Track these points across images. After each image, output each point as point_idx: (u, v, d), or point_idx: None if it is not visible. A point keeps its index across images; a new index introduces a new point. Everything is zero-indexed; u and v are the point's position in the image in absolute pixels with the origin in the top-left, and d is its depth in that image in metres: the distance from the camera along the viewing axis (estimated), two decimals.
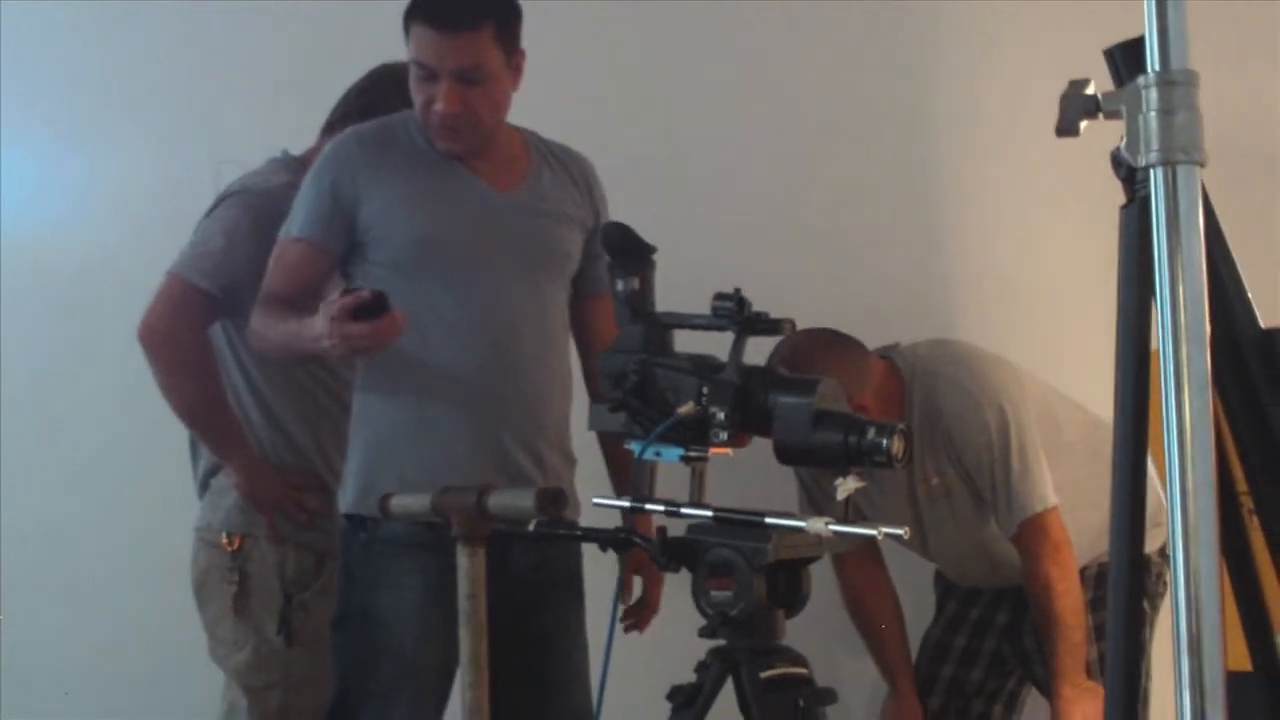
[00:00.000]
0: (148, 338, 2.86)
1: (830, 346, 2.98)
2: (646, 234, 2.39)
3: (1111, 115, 1.39)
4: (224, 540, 2.90)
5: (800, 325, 2.36)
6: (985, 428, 2.99)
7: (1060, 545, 2.95)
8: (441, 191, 2.72)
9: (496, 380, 2.66)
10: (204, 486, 3.01)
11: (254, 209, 2.90)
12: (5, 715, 3.58)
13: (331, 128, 3.00)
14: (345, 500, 2.70)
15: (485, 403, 2.65)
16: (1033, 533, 2.98)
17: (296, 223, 2.73)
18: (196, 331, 2.88)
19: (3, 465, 3.76)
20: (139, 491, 3.16)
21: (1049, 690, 3.01)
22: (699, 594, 2.33)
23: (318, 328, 2.47)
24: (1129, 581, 1.37)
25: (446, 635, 2.49)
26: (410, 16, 2.66)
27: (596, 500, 2.40)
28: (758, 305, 2.32)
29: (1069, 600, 2.95)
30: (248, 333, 2.76)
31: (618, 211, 2.44)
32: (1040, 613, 2.99)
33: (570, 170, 2.85)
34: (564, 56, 3.60)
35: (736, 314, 2.32)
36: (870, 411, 2.79)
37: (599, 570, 2.37)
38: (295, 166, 2.97)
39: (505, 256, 2.71)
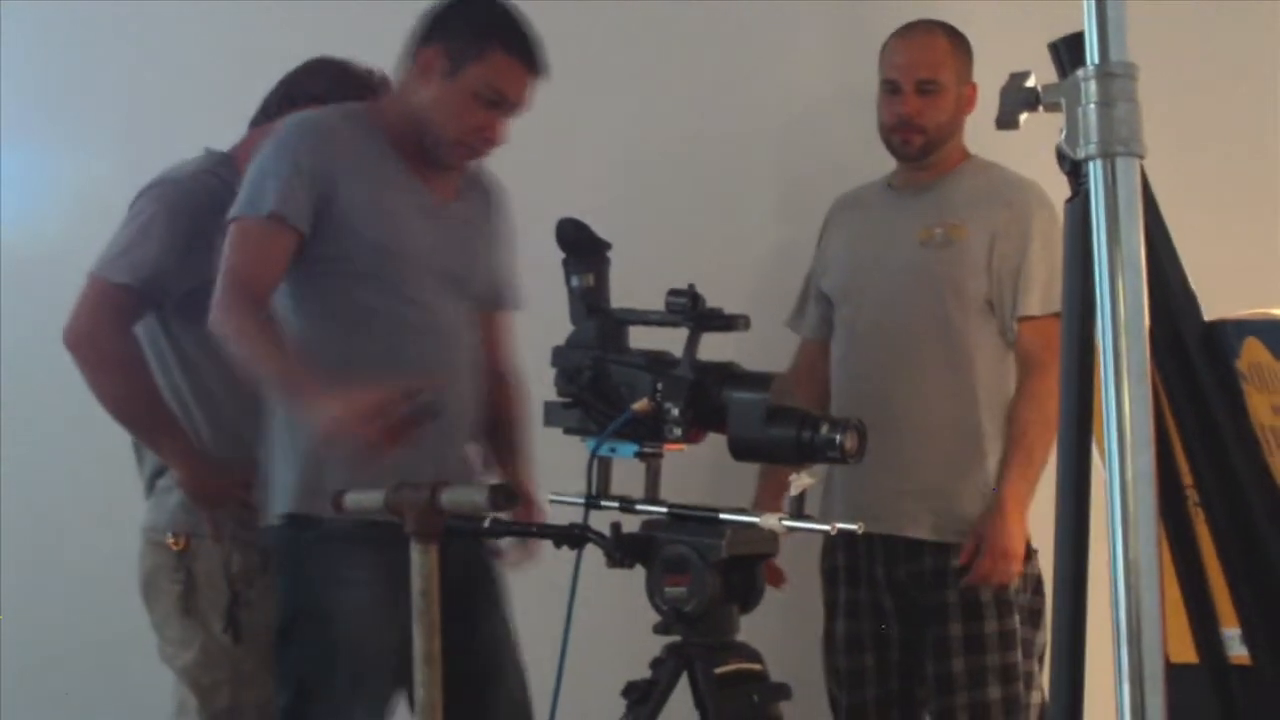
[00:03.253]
0: (72, 342, 2.82)
1: (956, 34, 3.12)
2: (602, 230, 2.39)
3: (1052, 108, 1.39)
4: (170, 540, 2.88)
5: (754, 322, 2.36)
6: (1047, 216, 3.02)
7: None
8: (399, 198, 2.69)
9: (441, 384, 2.62)
10: (150, 487, 2.98)
11: (167, 199, 2.88)
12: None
13: (266, 118, 2.97)
14: (284, 500, 2.62)
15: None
16: (1048, 338, 2.96)
17: (267, 197, 2.56)
18: (120, 329, 2.84)
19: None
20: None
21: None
22: (654, 590, 2.33)
23: (334, 410, 2.36)
24: (1074, 575, 1.37)
25: (400, 631, 2.47)
26: (498, 44, 2.64)
27: (552, 496, 2.40)
28: (712, 302, 2.32)
29: (1048, 431, 2.93)
30: (216, 318, 2.54)
31: (576, 207, 2.44)
32: (1014, 425, 3.01)
33: (490, 192, 2.85)
34: None
35: (690, 310, 2.33)
36: (907, 94, 3.05)
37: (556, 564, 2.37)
38: (217, 160, 2.94)
39: (441, 267, 2.70)
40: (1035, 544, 3.01)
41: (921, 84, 3.10)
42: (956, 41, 3.15)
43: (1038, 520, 2.99)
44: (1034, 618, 3.03)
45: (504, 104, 2.66)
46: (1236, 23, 3.43)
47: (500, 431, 2.83)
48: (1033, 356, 3.02)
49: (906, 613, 3.08)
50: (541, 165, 2.89)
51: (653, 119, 3.68)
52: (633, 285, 2.45)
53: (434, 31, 2.69)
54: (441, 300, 2.68)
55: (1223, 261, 2.68)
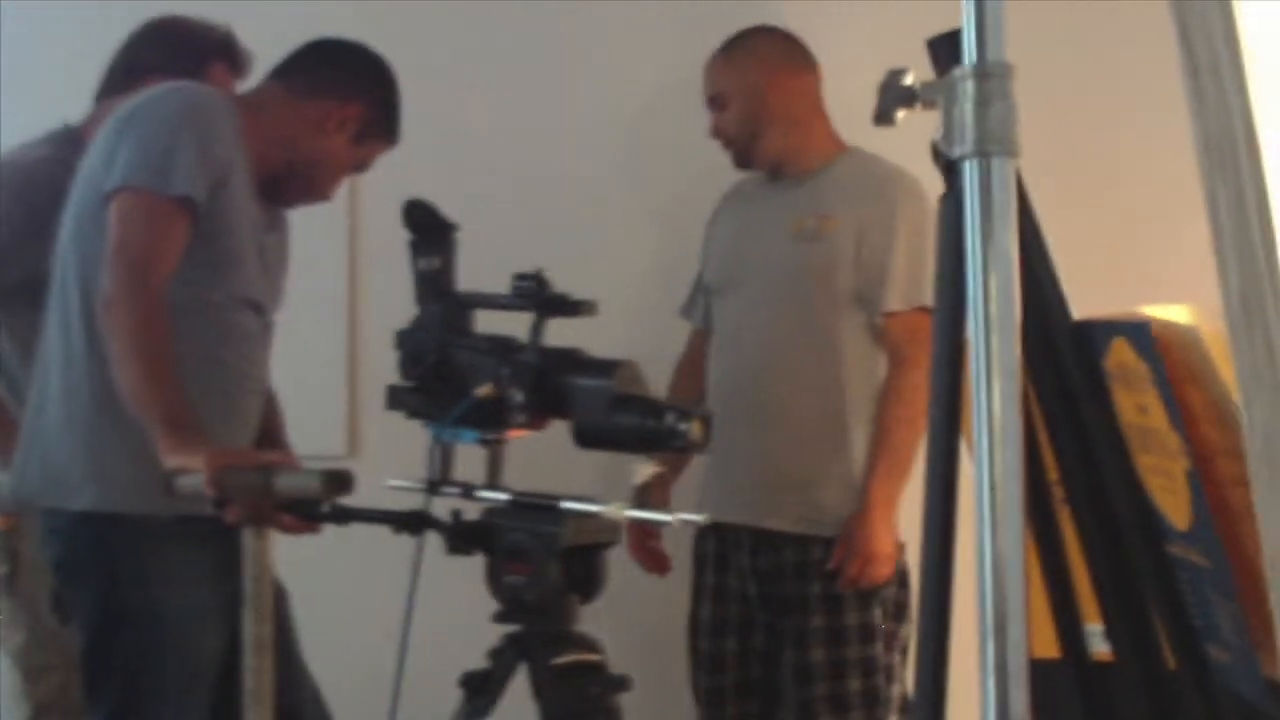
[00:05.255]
0: None
1: (775, 34, 3.19)
2: (451, 212, 2.35)
3: (929, 106, 1.39)
4: None
5: (602, 308, 2.34)
6: (915, 209, 3.03)
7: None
8: (250, 212, 2.54)
9: (258, 391, 2.62)
10: None
11: (7, 184, 2.77)
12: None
13: (112, 90, 2.85)
14: (104, 496, 2.43)
15: (250, 410, 2.61)
16: (913, 332, 2.97)
17: (176, 174, 2.33)
18: None
19: None
20: None
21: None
22: (493, 578, 2.30)
23: (200, 465, 2.19)
24: (940, 570, 1.38)
25: (224, 625, 2.41)
26: (395, 129, 2.65)
27: (391, 483, 2.35)
28: (563, 287, 2.30)
29: (914, 428, 2.95)
30: (111, 304, 2.28)
31: (423, 186, 2.39)
32: (879, 423, 3.03)
33: (287, 225, 2.72)
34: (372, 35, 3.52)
35: (537, 294, 2.30)
36: (731, 101, 3.13)
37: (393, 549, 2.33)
38: (65, 139, 2.81)
39: (252, 293, 2.57)
40: (902, 537, 3.04)
41: (711, 102, 3.21)
42: (733, 49, 3.21)
43: (905, 513, 3.01)
44: (899, 611, 3.06)
45: (361, 168, 2.68)
46: (1114, 24, 3.45)
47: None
48: (897, 351, 3.04)
49: (770, 602, 3.10)
50: (408, 167, 2.81)
51: (517, 115, 3.65)
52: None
53: (360, 92, 2.61)
54: (250, 314, 2.58)
55: (1095, 260, 2.74)
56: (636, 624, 3.51)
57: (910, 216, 3.04)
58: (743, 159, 3.21)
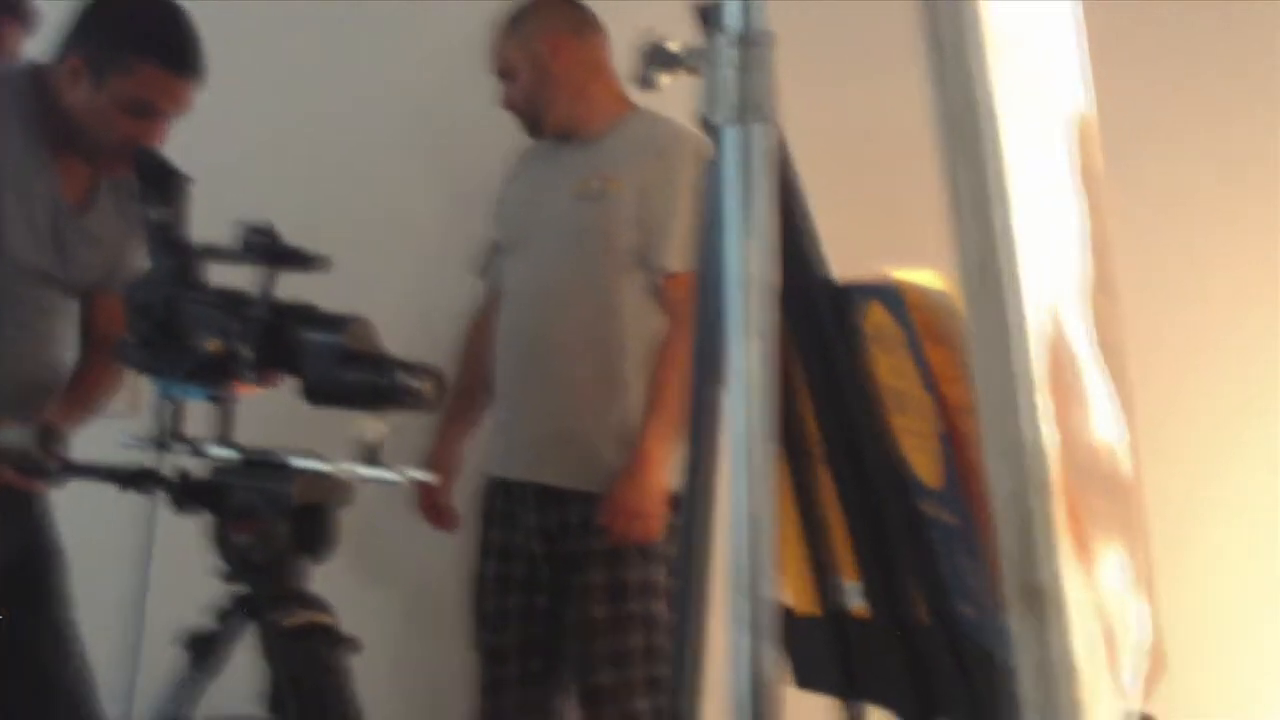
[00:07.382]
0: None
1: (556, 1, 3.23)
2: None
3: (692, 71, 1.41)
4: None
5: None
6: (700, 171, 2.99)
7: None
8: (30, 201, 2.50)
9: (34, 357, 2.59)
10: None
11: None
12: None
13: None
14: None
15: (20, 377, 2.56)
16: (688, 294, 2.90)
17: None
18: None
19: None
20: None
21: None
22: (219, 538, 2.26)
23: None
24: (698, 529, 1.41)
25: None
26: (141, 54, 2.46)
27: (122, 439, 2.28)
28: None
29: (685, 388, 2.96)
30: None
31: (212, 156, 2.33)
32: (651, 383, 3.06)
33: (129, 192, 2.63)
34: None
35: (267, 247, 2.25)
36: (521, 74, 3.16)
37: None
38: None
39: (41, 269, 2.55)
40: None
41: (499, 75, 3.23)
42: (515, 20, 3.23)
43: None
44: None
45: (157, 113, 2.50)
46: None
47: (73, 388, 2.68)
48: (675, 311, 3.06)
49: (555, 559, 3.11)
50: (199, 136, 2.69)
51: (310, 82, 3.54)
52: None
53: (74, 38, 2.52)
54: (29, 288, 2.55)
55: (858, 223, 2.80)
56: (418, 581, 3.50)
57: (693, 177, 3.07)
58: (533, 128, 3.23)
